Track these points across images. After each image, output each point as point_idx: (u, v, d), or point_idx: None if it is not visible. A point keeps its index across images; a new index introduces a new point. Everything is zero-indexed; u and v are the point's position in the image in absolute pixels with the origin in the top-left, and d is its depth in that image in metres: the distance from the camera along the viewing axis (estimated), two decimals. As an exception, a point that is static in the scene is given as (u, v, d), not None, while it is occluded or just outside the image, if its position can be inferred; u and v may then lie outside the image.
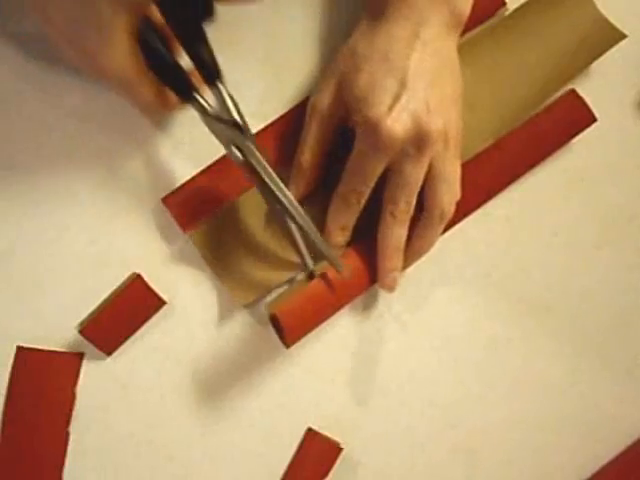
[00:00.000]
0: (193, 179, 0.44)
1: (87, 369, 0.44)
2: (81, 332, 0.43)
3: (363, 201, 0.41)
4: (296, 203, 0.40)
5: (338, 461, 0.44)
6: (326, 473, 0.44)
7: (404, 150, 0.39)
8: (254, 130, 0.44)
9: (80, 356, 0.44)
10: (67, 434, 0.43)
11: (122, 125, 0.44)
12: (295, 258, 0.44)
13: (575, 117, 0.46)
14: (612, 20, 0.45)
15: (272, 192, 0.40)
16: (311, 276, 0.43)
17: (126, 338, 0.44)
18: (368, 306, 0.45)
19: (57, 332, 0.43)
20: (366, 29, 0.42)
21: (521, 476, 0.45)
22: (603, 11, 0.45)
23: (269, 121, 0.45)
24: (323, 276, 0.42)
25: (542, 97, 0.46)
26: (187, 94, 0.39)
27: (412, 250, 0.43)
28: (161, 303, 0.44)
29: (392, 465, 0.45)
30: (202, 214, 0.44)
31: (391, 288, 0.43)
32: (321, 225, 0.43)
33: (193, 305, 0.44)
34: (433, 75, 0.40)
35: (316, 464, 0.44)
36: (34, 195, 0.44)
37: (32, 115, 0.44)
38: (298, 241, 0.43)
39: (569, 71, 0.46)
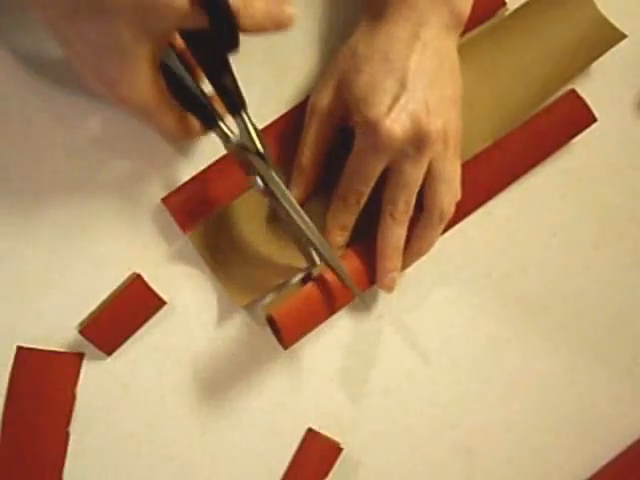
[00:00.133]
0: (193, 179, 0.44)
1: (87, 369, 0.44)
2: (81, 332, 0.43)
3: (362, 201, 0.41)
4: (319, 233, 0.41)
5: (338, 461, 0.44)
6: (326, 473, 0.44)
7: (403, 150, 0.39)
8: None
9: (80, 356, 0.44)
10: (67, 434, 0.43)
11: (122, 126, 0.44)
12: (294, 259, 0.44)
13: (575, 117, 0.46)
14: (612, 20, 0.45)
15: (294, 221, 0.41)
16: (310, 277, 0.43)
17: (126, 338, 0.44)
18: (368, 306, 0.45)
19: (57, 332, 0.43)
20: (366, 29, 0.42)
21: (520, 476, 0.46)
22: (603, 11, 0.45)
23: (269, 121, 0.45)
24: (321, 277, 0.42)
25: (542, 97, 0.46)
26: (211, 121, 0.40)
27: (412, 250, 0.43)
28: (161, 303, 0.44)
29: (392, 465, 0.45)
30: (202, 214, 0.44)
31: (390, 288, 0.43)
32: (321, 225, 0.43)
33: (193, 305, 0.44)
34: (433, 75, 0.40)
35: (316, 464, 0.44)
36: (34, 196, 0.44)
37: (31, 116, 0.44)
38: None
39: (569, 71, 0.46)
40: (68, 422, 0.43)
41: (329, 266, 0.41)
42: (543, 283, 0.46)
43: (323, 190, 0.43)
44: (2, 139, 0.44)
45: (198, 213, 0.44)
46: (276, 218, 0.44)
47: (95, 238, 0.44)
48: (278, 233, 0.44)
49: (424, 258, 0.44)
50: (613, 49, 0.46)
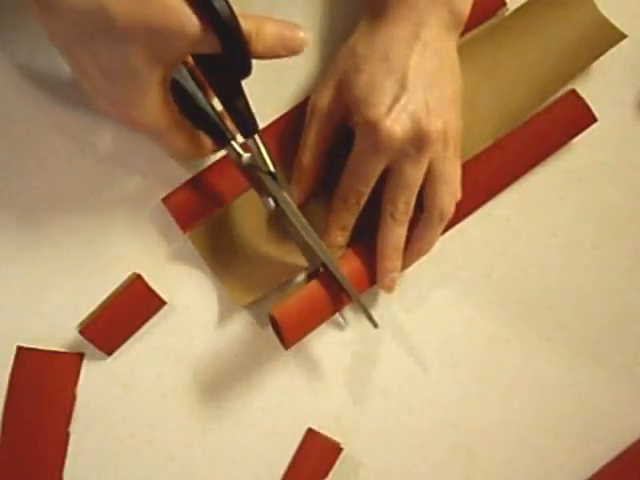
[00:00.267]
0: (193, 179, 0.44)
1: (87, 369, 0.44)
2: (81, 332, 0.43)
3: (363, 201, 0.41)
4: (330, 254, 0.41)
5: (338, 461, 0.44)
6: (326, 473, 0.44)
7: (403, 150, 0.39)
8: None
9: (80, 356, 0.44)
10: (67, 434, 0.43)
11: (122, 127, 0.44)
12: (295, 258, 0.44)
13: (575, 117, 0.46)
14: (612, 20, 0.45)
15: (306, 242, 0.41)
16: (311, 277, 0.43)
17: (126, 338, 0.44)
18: (368, 306, 0.45)
19: (57, 332, 0.43)
20: (366, 29, 0.42)
21: (520, 476, 0.46)
22: (603, 11, 0.45)
23: (269, 121, 0.45)
24: (322, 277, 0.42)
25: (542, 97, 0.46)
26: (222, 140, 0.40)
27: (412, 250, 0.43)
28: (161, 303, 0.44)
29: (392, 465, 0.45)
30: (202, 214, 0.44)
31: (390, 288, 0.43)
32: (321, 225, 0.43)
33: (193, 305, 0.44)
34: (433, 75, 0.40)
35: (316, 464, 0.44)
36: (34, 196, 0.44)
37: (32, 118, 0.44)
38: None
39: (569, 71, 0.46)
40: (68, 422, 0.43)
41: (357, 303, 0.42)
42: (543, 283, 0.46)
43: (323, 191, 0.43)
44: (2, 140, 0.44)
45: (198, 213, 0.44)
46: (276, 218, 0.44)
47: (95, 238, 0.44)
48: (279, 232, 0.44)
49: (424, 258, 0.44)
50: (613, 49, 0.46)
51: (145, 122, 0.37)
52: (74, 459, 0.43)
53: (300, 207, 0.42)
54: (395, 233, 0.42)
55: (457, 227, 0.46)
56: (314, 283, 0.42)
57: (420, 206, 0.42)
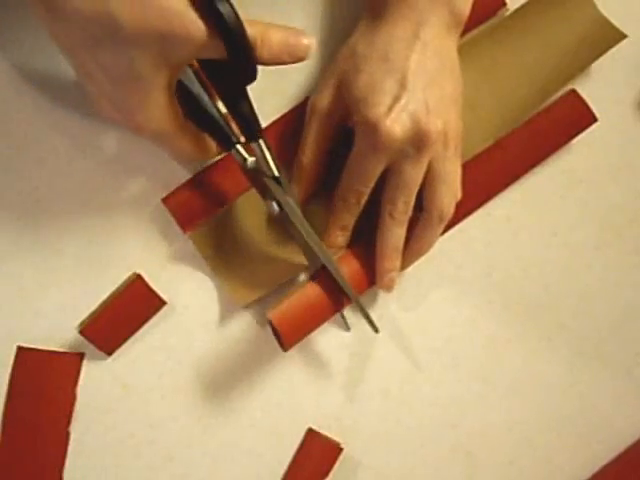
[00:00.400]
0: (193, 179, 0.44)
1: (87, 369, 0.44)
2: (81, 332, 0.43)
3: (363, 201, 0.41)
4: (332, 258, 0.41)
5: (339, 461, 0.44)
6: (326, 473, 0.44)
7: (403, 151, 0.39)
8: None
9: (80, 356, 0.44)
10: (67, 434, 0.43)
11: (122, 127, 0.44)
12: (295, 258, 0.44)
13: (576, 117, 0.46)
14: (612, 20, 0.45)
15: (309, 246, 0.41)
16: (312, 278, 0.43)
17: (126, 338, 0.44)
18: (368, 306, 0.45)
19: (57, 332, 0.43)
20: (366, 29, 0.42)
21: (521, 476, 0.45)
22: (603, 11, 0.45)
23: (269, 121, 0.45)
24: (319, 279, 0.42)
25: (542, 97, 0.46)
26: (228, 143, 0.40)
27: (411, 250, 0.43)
28: (161, 303, 0.44)
29: (392, 465, 0.45)
30: (202, 214, 0.44)
31: (389, 288, 0.43)
32: (322, 225, 0.43)
33: (193, 305, 0.44)
34: (433, 75, 0.40)
35: (316, 464, 0.44)
36: (34, 196, 0.44)
37: (32, 118, 0.44)
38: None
39: (569, 71, 0.46)
40: (68, 422, 0.43)
41: (359, 309, 0.42)
42: (544, 283, 0.46)
43: (324, 191, 0.43)
44: (2, 140, 0.44)
45: (198, 213, 0.44)
46: (277, 219, 0.44)
47: (95, 238, 0.44)
48: (279, 232, 0.44)
49: (424, 258, 0.44)
50: (613, 49, 0.46)
51: (150, 127, 0.37)
52: (74, 459, 0.43)
53: (300, 207, 0.42)
54: (394, 233, 0.41)
55: (457, 227, 0.46)
56: (312, 285, 0.42)
57: (420, 206, 0.42)
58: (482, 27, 0.46)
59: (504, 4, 0.47)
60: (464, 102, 0.42)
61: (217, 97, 0.41)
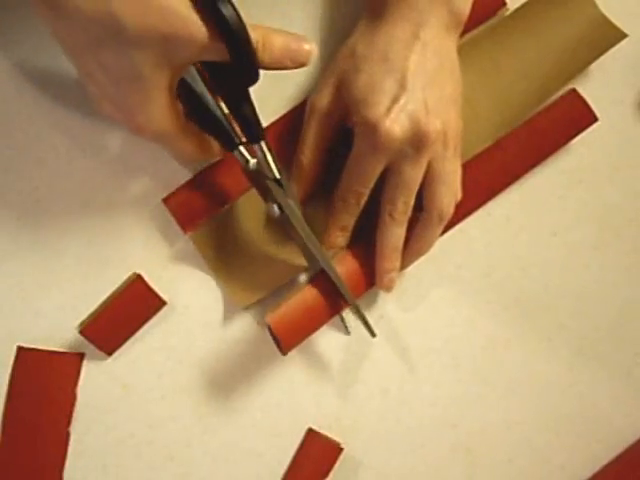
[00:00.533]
0: (194, 180, 0.44)
1: (88, 369, 0.44)
2: (81, 332, 0.43)
3: (362, 202, 0.41)
4: (331, 262, 0.42)
5: (339, 461, 0.44)
6: (327, 473, 0.44)
7: (402, 151, 0.39)
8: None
9: (80, 356, 0.44)
10: (67, 434, 0.43)
11: (123, 127, 0.44)
12: (296, 259, 0.44)
13: (576, 116, 0.46)
14: (613, 19, 0.45)
15: (308, 249, 0.41)
16: (311, 281, 0.43)
17: (126, 338, 0.44)
18: (368, 306, 0.45)
19: (57, 332, 0.43)
20: (366, 29, 0.42)
21: (520, 476, 0.45)
22: (603, 10, 0.45)
23: (269, 121, 0.45)
24: (317, 283, 0.42)
25: (542, 97, 0.46)
26: (230, 144, 0.40)
27: (411, 250, 0.43)
28: (161, 303, 0.44)
29: (392, 465, 0.45)
30: (202, 215, 0.44)
31: (389, 288, 0.43)
32: (322, 226, 0.43)
33: (193, 305, 0.44)
34: (432, 76, 0.40)
35: (317, 464, 0.44)
36: (35, 196, 0.44)
37: (32, 118, 0.44)
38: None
39: (569, 71, 0.46)
40: (68, 422, 0.43)
41: (357, 313, 0.42)
42: (543, 283, 0.46)
43: (323, 191, 0.43)
44: (3, 140, 0.44)
45: (199, 213, 0.44)
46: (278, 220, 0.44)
47: (95, 238, 0.44)
48: (280, 234, 0.44)
49: (424, 258, 0.44)
50: (613, 49, 0.45)
51: (150, 127, 0.37)
52: (74, 459, 0.43)
53: (300, 207, 0.42)
54: (394, 233, 0.42)
55: (457, 227, 0.46)
56: (310, 288, 0.42)
57: (420, 206, 0.42)
58: (482, 27, 0.46)
59: (504, 4, 0.47)
60: (464, 102, 0.42)
61: (219, 98, 0.41)
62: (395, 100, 0.39)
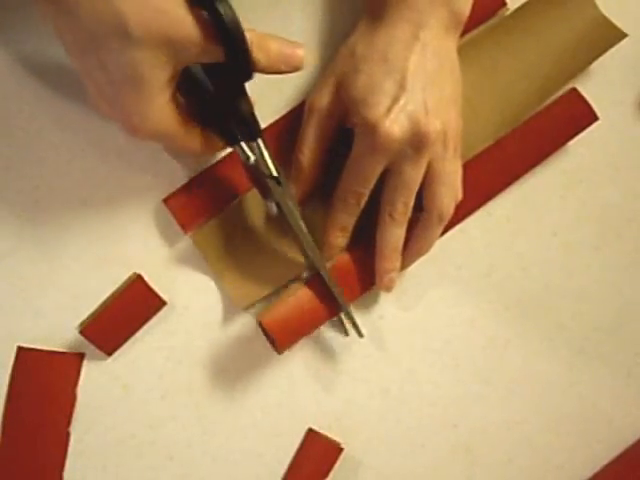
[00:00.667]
0: (194, 180, 0.44)
1: (88, 369, 0.44)
2: (82, 332, 0.43)
3: (363, 202, 0.41)
4: (324, 262, 0.42)
5: (339, 461, 0.44)
6: (327, 473, 0.44)
7: (402, 151, 0.39)
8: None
9: (81, 356, 0.44)
10: (68, 434, 0.43)
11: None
12: (296, 260, 0.44)
13: (576, 116, 0.46)
14: (612, 19, 0.45)
15: (304, 249, 0.41)
16: (308, 282, 0.43)
17: (127, 338, 0.44)
18: (368, 306, 0.45)
19: (58, 332, 0.43)
20: (365, 30, 0.42)
21: (520, 476, 0.46)
22: (603, 10, 0.45)
23: (269, 122, 0.45)
24: (315, 283, 0.42)
25: (542, 97, 0.46)
26: (233, 139, 0.40)
27: (411, 250, 0.43)
28: (162, 303, 0.44)
29: (392, 465, 0.45)
30: (203, 215, 0.44)
31: (388, 288, 0.43)
32: (322, 225, 0.43)
33: (193, 305, 0.44)
34: (432, 76, 0.40)
35: (317, 464, 0.44)
36: (34, 196, 0.44)
37: (32, 116, 0.44)
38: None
39: (569, 70, 0.46)
40: (69, 422, 0.43)
41: (345, 313, 0.43)
42: (544, 283, 0.46)
43: (323, 191, 0.43)
44: (3, 139, 0.44)
45: (199, 214, 0.44)
46: (278, 220, 0.44)
47: (96, 238, 0.44)
48: (280, 234, 0.44)
49: (424, 258, 0.44)
50: (613, 49, 0.45)
51: (146, 128, 0.37)
52: (74, 459, 0.43)
53: (299, 207, 0.42)
54: (394, 233, 0.42)
55: (457, 227, 0.46)
56: (305, 289, 0.42)
57: (420, 206, 0.42)
58: (482, 27, 0.46)
59: (504, 4, 0.47)
60: (464, 102, 0.42)
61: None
62: (395, 101, 0.39)
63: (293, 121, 0.44)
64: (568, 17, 0.46)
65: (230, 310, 0.44)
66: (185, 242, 0.44)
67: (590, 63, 0.46)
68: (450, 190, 0.41)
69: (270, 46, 0.37)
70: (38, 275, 0.44)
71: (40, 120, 0.44)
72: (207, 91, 0.39)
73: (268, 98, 0.45)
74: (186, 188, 0.44)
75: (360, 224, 0.43)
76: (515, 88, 0.45)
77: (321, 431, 0.44)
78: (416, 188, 0.41)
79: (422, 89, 0.39)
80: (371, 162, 0.40)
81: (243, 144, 0.40)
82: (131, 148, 0.44)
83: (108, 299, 0.44)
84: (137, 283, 0.43)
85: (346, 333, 0.45)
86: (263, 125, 0.44)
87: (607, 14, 0.45)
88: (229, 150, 0.44)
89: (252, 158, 0.40)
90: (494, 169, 0.46)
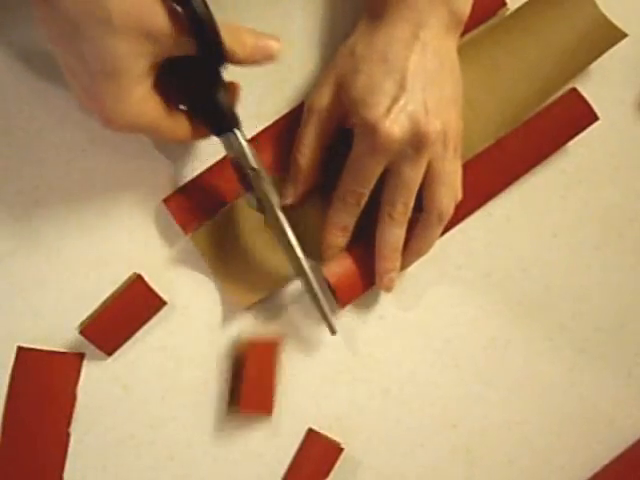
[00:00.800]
0: (194, 180, 0.44)
1: (88, 369, 0.44)
2: (82, 332, 0.43)
3: (363, 202, 0.41)
4: (302, 254, 0.41)
5: (339, 461, 0.44)
6: (327, 473, 0.44)
7: (402, 151, 0.39)
8: (254, 132, 0.44)
9: (81, 356, 0.44)
10: (68, 435, 0.43)
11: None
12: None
13: (576, 116, 0.46)
14: (613, 19, 0.45)
15: (285, 246, 0.41)
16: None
17: (127, 338, 0.44)
18: (368, 306, 0.45)
19: (58, 332, 0.43)
20: (365, 30, 0.42)
21: (521, 476, 0.45)
22: (604, 10, 0.45)
23: (269, 122, 0.45)
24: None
25: (542, 97, 0.46)
26: (219, 129, 0.40)
27: (411, 250, 0.43)
28: (162, 303, 0.44)
29: (392, 465, 0.45)
30: (203, 215, 0.44)
31: (388, 288, 0.43)
32: (321, 226, 0.43)
33: (194, 306, 0.44)
34: (432, 76, 0.40)
35: (317, 464, 0.44)
36: (34, 196, 0.44)
37: (32, 116, 0.44)
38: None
39: (570, 70, 0.46)
40: (69, 423, 0.43)
41: (309, 287, 0.42)
42: (544, 283, 0.46)
43: (323, 190, 0.43)
44: (2, 139, 0.44)
45: (199, 214, 0.44)
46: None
47: (96, 238, 0.44)
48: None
49: (424, 258, 0.44)
50: (613, 49, 0.45)
51: (124, 119, 0.37)
52: (74, 459, 0.43)
53: (299, 205, 0.42)
54: (394, 233, 0.41)
55: (458, 227, 0.46)
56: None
57: (420, 206, 0.42)
58: (482, 27, 0.46)
59: (504, 4, 0.47)
60: (464, 102, 0.42)
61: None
62: (395, 101, 0.39)
63: (293, 121, 0.44)
64: (568, 17, 0.46)
65: (230, 310, 0.44)
66: (185, 242, 0.44)
67: (590, 63, 0.46)
68: (450, 190, 0.41)
69: (245, 39, 0.37)
70: (38, 275, 0.44)
71: (40, 120, 0.44)
72: (189, 82, 0.39)
73: (268, 98, 0.45)
74: (186, 188, 0.44)
75: (360, 224, 0.43)
76: (515, 88, 0.45)
77: (321, 431, 0.44)
78: (416, 188, 0.41)
79: (422, 89, 0.39)
80: (371, 162, 0.40)
81: (229, 134, 0.40)
82: (132, 148, 0.44)
83: (108, 299, 0.44)
84: (137, 283, 0.43)
85: (333, 331, 0.43)
86: (263, 125, 0.44)
87: (607, 14, 0.45)
88: (224, 151, 0.43)
89: (234, 149, 0.40)
90: (494, 169, 0.46)
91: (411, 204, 0.41)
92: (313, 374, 0.45)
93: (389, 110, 0.39)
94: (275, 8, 0.46)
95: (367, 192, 0.41)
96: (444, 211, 0.41)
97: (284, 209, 0.41)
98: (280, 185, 0.43)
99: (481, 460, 0.45)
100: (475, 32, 0.46)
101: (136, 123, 0.38)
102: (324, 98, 0.42)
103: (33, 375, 0.43)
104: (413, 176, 0.40)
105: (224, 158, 0.44)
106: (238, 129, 0.40)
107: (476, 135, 0.45)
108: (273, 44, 0.38)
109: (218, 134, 0.40)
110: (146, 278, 0.43)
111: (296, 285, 0.45)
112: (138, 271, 0.44)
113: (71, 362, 0.43)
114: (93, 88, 0.36)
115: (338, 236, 0.43)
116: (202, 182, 0.44)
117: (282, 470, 0.44)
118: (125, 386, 0.44)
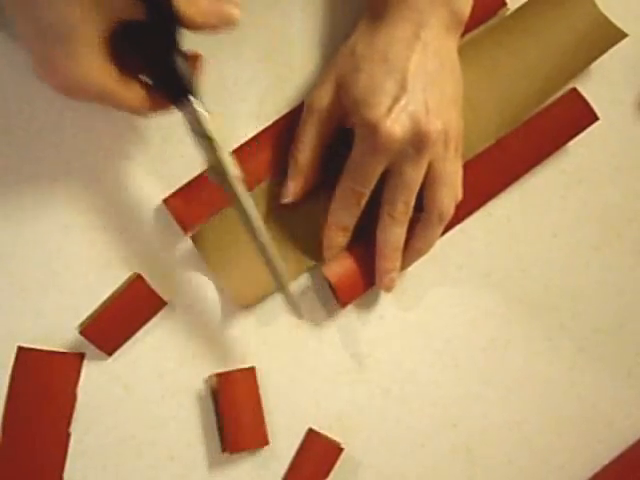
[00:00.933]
0: (194, 180, 0.44)
1: (88, 369, 0.44)
2: (82, 332, 0.43)
3: (363, 202, 0.41)
4: (262, 225, 0.40)
5: (339, 461, 0.44)
6: (327, 473, 0.44)
7: (403, 151, 0.39)
8: (254, 131, 0.44)
9: (81, 356, 0.44)
10: (68, 435, 0.43)
11: (123, 126, 0.44)
12: (296, 260, 0.44)
13: (577, 116, 0.46)
14: (613, 19, 0.45)
15: (241, 207, 0.39)
16: None
17: (127, 338, 0.44)
18: (368, 306, 0.45)
19: (58, 332, 0.43)
20: (366, 29, 0.42)
21: (521, 476, 0.46)
22: (604, 10, 0.45)
23: (269, 122, 0.45)
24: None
25: (543, 97, 0.46)
26: (178, 97, 0.38)
27: (411, 250, 0.43)
28: (162, 304, 0.44)
29: (393, 465, 0.45)
30: (203, 215, 0.44)
31: (389, 288, 0.43)
32: (322, 225, 0.43)
33: (193, 305, 0.44)
34: (433, 76, 0.40)
35: (317, 464, 0.44)
36: (35, 196, 0.44)
37: (31, 116, 0.44)
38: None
39: (570, 70, 0.46)
40: (69, 423, 0.43)
41: (283, 290, 0.41)
42: (544, 283, 0.46)
43: (323, 190, 0.43)
44: (2, 138, 0.44)
45: (199, 214, 0.44)
46: (278, 218, 0.44)
47: (96, 238, 0.44)
48: (280, 234, 0.44)
49: (425, 258, 0.44)
50: (613, 49, 0.46)
51: (79, 86, 0.37)
52: (74, 459, 0.43)
53: (299, 205, 0.42)
54: (394, 233, 0.42)
55: (458, 227, 0.46)
56: None
57: (420, 206, 0.42)
58: (482, 27, 0.46)
59: (504, 4, 0.47)
60: (464, 102, 0.42)
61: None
62: (396, 101, 0.39)
63: (293, 121, 0.44)
64: (568, 17, 0.46)
65: (230, 310, 0.44)
66: (185, 242, 0.44)
67: (590, 63, 0.46)
68: (451, 190, 0.41)
69: (199, 1, 0.36)
70: (38, 275, 0.44)
71: (40, 120, 0.44)
72: (146, 49, 0.38)
73: (268, 98, 0.45)
74: (186, 188, 0.44)
75: (361, 224, 0.43)
76: (515, 88, 0.45)
77: (321, 431, 0.44)
78: (417, 188, 0.41)
79: (423, 89, 0.39)
80: (372, 162, 0.40)
81: (192, 99, 0.38)
82: (132, 149, 0.44)
83: (108, 299, 0.44)
84: (137, 283, 0.43)
85: (300, 315, 0.43)
86: (263, 125, 0.44)
87: (607, 14, 0.45)
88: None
89: (191, 119, 0.38)
90: (494, 169, 0.46)
91: (412, 204, 0.41)
92: (313, 374, 0.45)
93: (390, 110, 0.39)
94: (275, 8, 0.46)
95: (368, 192, 0.41)
96: (445, 211, 0.41)
97: (285, 208, 0.41)
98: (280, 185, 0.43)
99: (481, 460, 0.45)
100: (475, 32, 0.46)
101: (89, 89, 0.37)
102: (324, 98, 0.42)
103: (33, 375, 0.43)
104: (414, 176, 0.40)
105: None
106: (192, 95, 0.38)
107: (476, 135, 0.45)
108: (230, 8, 0.37)
109: (174, 102, 0.38)
110: (146, 278, 0.43)
111: (296, 285, 0.45)
112: (138, 271, 0.44)
113: (71, 362, 0.43)
114: (47, 54, 0.36)
115: (339, 236, 0.43)
116: (202, 182, 0.44)
117: (282, 470, 0.44)
118: (125, 386, 0.44)
